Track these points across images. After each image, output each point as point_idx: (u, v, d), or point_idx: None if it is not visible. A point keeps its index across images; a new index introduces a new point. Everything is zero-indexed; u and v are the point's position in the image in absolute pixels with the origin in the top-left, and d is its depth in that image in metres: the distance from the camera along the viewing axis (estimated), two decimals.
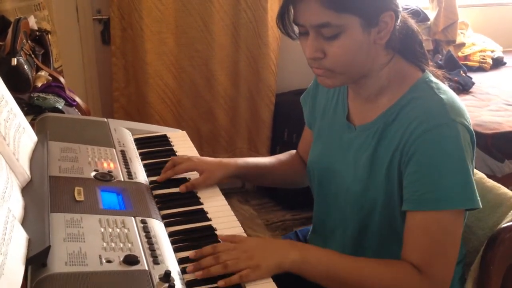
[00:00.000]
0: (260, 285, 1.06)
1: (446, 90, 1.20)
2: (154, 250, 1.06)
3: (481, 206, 1.15)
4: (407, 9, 1.26)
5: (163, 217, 1.23)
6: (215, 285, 1.04)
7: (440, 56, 3.15)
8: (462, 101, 1.22)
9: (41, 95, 1.77)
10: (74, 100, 1.88)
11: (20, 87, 1.74)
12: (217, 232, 1.21)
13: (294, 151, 1.60)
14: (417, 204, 1.14)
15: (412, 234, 1.15)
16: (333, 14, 1.10)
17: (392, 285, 1.14)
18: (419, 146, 1.13)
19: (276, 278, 1.09)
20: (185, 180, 1.40)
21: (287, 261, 1.12)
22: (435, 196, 1.12)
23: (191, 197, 1.34)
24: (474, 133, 1.18)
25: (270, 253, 1.12)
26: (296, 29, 1.20)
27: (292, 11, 1.16)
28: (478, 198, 1.15)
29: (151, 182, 1.37)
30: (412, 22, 1.25)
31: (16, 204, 1.06)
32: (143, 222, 1.14)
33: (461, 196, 1.13)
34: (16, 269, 0.90)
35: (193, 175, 1.42)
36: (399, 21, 1.17)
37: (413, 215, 1.15)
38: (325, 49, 1.15)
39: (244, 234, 1.21)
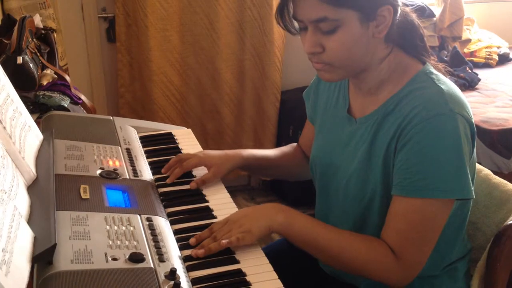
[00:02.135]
0: (265, 282, 1.06)
1: (446, 82, 1.20)
2: (160, 248, 1.06)
3: (474, 197, 1.16)
4: (412, 5, 1.26)
5: (169, 215, 1.23)
6: (218, 282, 1.04)
7: (446, 53, 3.15)
8: (465, 96, 1.22)
9: (47, 93, 1.77)
10: (80, 98, 1.89)
11: (25, 86, 1.74)
12: None
13: (295, 144, 1.60)
14: (407, 190, 1.15)
15: (394, 217, 1.17)
16: (330, 9, 1.11)
17: (366, 260, 1.18)
18: (416, 134, 1.13)
19: (279, 277, 1.09)
20: (190, 175, 1.40)
21: (275, 223, 1.19)
22: (426, 183, 1.13)
23: (196, 194, 1.34)
24: (474, 125, 1.18)
25: (258, 217, 1.19)
26: (296, 24, 1.21)
27: (292, 6, 1.17)
28: (472, 189, 1.15)
29: (156, 180, 1.37)
30: (413, 16, 1.25)
31: (22, 202, 1.07)
32: (149, 220, 1.14)
33: (453, 186, 1.13)
34: (22, 266, 0.91)
35: (199, 170, 1.42)
36: (398, 15, 1.17)
37: (400, 199, 1.16)
38: (324, 44, 1.16)
39: None
